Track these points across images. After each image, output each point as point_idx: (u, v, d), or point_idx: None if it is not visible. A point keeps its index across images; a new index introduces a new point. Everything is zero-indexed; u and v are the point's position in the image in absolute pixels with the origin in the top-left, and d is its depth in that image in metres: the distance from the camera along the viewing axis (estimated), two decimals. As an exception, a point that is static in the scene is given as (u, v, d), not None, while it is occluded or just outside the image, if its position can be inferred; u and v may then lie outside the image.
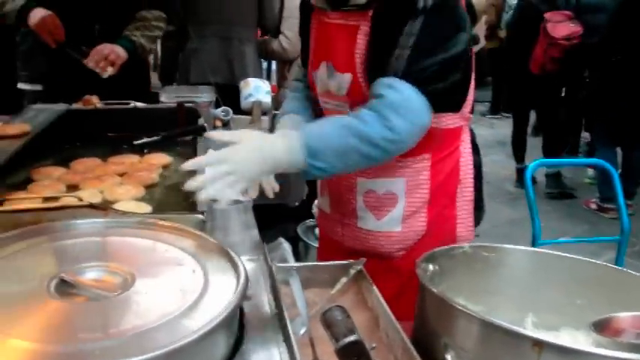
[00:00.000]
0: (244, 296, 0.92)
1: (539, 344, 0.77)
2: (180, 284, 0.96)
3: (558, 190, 4.95)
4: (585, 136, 5.46)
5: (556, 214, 4.63)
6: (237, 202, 1.62)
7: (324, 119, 1.34)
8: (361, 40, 1.29)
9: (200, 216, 1.24)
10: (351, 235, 1.51)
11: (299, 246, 2.89)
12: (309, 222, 2.93)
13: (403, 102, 1.21)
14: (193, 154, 1.87)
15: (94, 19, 2.74)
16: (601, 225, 4.41)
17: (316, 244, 2.78)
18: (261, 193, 2.61)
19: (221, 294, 0.93)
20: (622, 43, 4.17)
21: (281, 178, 2.65)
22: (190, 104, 2.49)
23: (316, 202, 1.79)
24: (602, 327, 0.92)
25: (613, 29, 4.22)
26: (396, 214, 1.42)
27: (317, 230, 2.90)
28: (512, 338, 0.79)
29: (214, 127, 2.60)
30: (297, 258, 2.83)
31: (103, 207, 1.25)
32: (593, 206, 4.69)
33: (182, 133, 2.19)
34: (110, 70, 2.62)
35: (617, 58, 4.19)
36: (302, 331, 1.06)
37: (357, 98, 1.33)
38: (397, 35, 1.22)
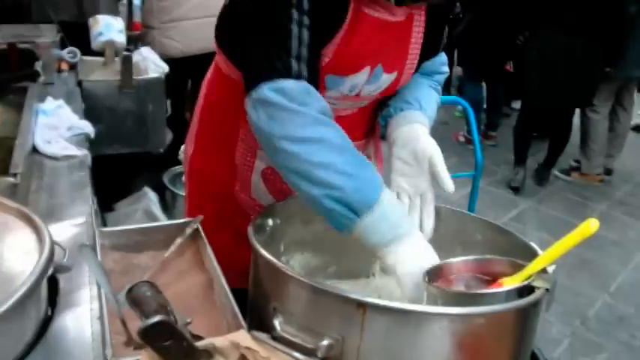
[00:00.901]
0: (45, 272, 0.80)
1: (362, 305, 0.73)
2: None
3: None
4: (457, 70, 5.64)
5: (429, 147, 4.79)
6: (69, 157, 1.46)
7: (425, 94, 1.25)
8: (417, 34, 1.13)
9: (11, 179, 1.08)
10: None
11: (166, 195, 2.74)
12: (176, 169, 2.78)
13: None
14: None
15: None
16: (468, 156, 4.62)
17: (183, 193, 2.65)
18: (122, 142, 2.43)
19: (18, 272, 0.81)
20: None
21: (141, 126, 2.48)
22: (27, 45, 2.19)
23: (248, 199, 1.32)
24: (435, 275, 0.90)
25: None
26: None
27: (184, 178, 2.77)
28: (337, 301, 0.75)
29: (59, 70, 2.33)
30: (165, 207, 2.71)
31: None
32: (462, 138, 4.90)
33: (14, 79, 1.92)
34: None
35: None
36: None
37: (384, 94, 1.21)
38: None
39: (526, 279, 0.84)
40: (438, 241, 1.11)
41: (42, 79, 1.99)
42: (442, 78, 1.32)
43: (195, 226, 1.07)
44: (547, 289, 0.81)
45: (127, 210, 2.53)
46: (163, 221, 2.45)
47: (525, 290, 0.83)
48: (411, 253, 0.90)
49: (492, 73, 4.55)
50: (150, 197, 2.64)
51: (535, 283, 0.82)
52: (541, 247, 0.95)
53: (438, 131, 4.72)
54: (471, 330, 0.76)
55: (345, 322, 0.75)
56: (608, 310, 2.88)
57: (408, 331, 0.74)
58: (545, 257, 0.84)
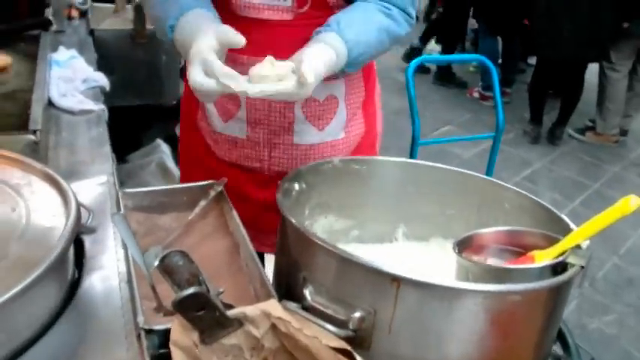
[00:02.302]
0: (72, 237, 0.79)
1: (397, 280, 0.72)
2: (-5, 227, 0.80)
3: (448, 81, 5.05)
4: (472, 23, 5.50)
5: (442, 103, 4.73)
6: (86, 111, 1.43)
7: (359, 18, 1.10)
8: None
9: (31, 136, 1.05)
10: (282, 156, 1.26)
11: (178, 146, 2.71)
12: (189, 122, 2.74)
13: None
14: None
15: None
16: (482, 113, 4.57)
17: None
18: (135, 93, 2.40)
19: (45, 235, 0.80)
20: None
21: (154, 77, 2.44)
22: (37, -10, 2.12)
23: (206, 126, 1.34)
24: (464, 245, 0.89)
25: None
26: (339, 120, 1.26)
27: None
28: (370, 274, 0.74)
29: (69, 18, 2.27)
30: (177, 159, 2.70)
31: None
32: (476, 95, 4.83)
33: (25, 27, 1.87)
34: None
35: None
36: (156, 263, 0.96)
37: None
38: None
39: (560, 254, 0.82)
40: (464, 210, 1.11)
41: (53, 27, 1.94)
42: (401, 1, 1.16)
43: (219, 189, 1.05)
44: (582, 267, 0.80)
45: (140, 162, 2.53)
46: (177, 174, 2.45)
47: (558, 265, 0.82)
48: None
49: (510, 27, 4.42)
50: (163, 149, 2.63)
51: (569, 260, 0.81)
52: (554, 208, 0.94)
53: (451, 88, 4.70)
54: (504, 307, 0.75)
55: (378, 295, 0.74)
56: (616, 272, 2.89)
57: (441, 306, 0.73)
58: (581, 233, 0.83)
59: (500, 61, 4.81)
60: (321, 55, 1.00)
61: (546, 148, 4.18)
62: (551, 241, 0.85)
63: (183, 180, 1.43)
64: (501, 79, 4.89)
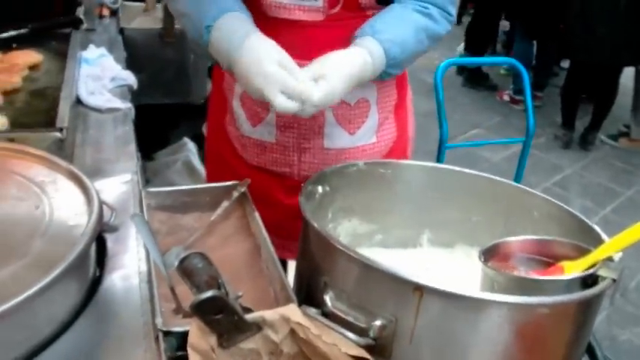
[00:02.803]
0: (94, 235, 0.79)
1: (419, 288, 0.70)
2: (19, 225, 0.81)
3: (479, 83, 4.97)
4: (504, 25, 5.42)
5: (472, 106, 4.66)
6: (113, 109, 1.44)
7: (395, 19, 1.09)
8: None
9: (57, 134, 1.06)
10: (312, 160, 1.24)
11: (205, 146, 2.72)
12: (216, 121, 2.76)
13: None
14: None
15: None
16: (512, 117, 4.50)
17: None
18: (163, 92, 2.42)
19: (68, 233, 0.80)
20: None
21: (182, 76, 2.45)
22: (69, -11, 2.15)
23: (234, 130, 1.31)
24: (491, 253, 0.86)
25: None
26: (370, 124, 1.24)
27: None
28: (392, 281, 0.72)
29: (100, 16, 2.30)
30: (204, 158, 2.71)
31: None
32: (506, 98, 4.75)
33: (56, 25, 1.89)
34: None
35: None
36: (176, 264, 0.96)
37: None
38: None
39: (591, 266, 0.79)
40: (491, 217, 1.08)
41: (84, 25, 1.96)
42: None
43: (243, 190, 1.05)
44: (614, 280, 0.76)
45: (166, 160, 2.55)
46: (203, 173, 2.47)
47: (589, 277, 0.79)
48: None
49: (546, 31, 4.32)
50: (189, 148, 2.65)
51: (601, 272, 0.78)
52: (584, 216, 0.90)
53: (481, 90, 4.64)
54: (531, 319, 0.72)
55: (400, 303, 0.72)
56: (649, 282, 2.81)
57: (465, 317, 0.71)
58: (613, 244, 0.79)
59: (533, 63, 4.72)
60: (347, 63, 1.00)
61: (578, 153, 4.08)
62: (582, 252, 0.82)
63: (209, 180, 1.43)
64: (534, 82, 4.81)
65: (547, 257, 0.87)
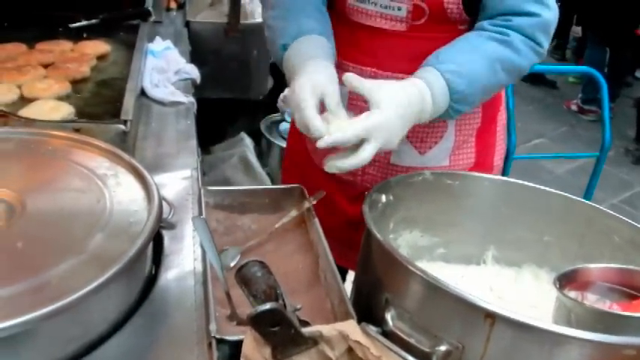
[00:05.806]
0: (152, 234, 0.77)
1: (491, 316, 0.64)
2: (80, 218, 0.80)
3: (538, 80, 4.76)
4: (576, 30, 5.20)
5: (537, 114, 4.49)
6: (176, 103, 1.44)
7: (464, 48, 0.99)
8: None
9: (121, 126, 1.06)
10: (376, 174, 1.19)
11: (262, 142, 2.73)
12: (274, 117, 2.75)
13: (554, 20, 1.01)
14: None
15: None
16: (579, 127, 4.30)
17: (279, 142, 2.63)
18: (224, 87, 2.42)
19: (126, 229, 0.79)
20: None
21: (244, 72, 2.45)
22: (139, -19, 2.18)
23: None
24: (567, 279, 0.80)
25: None
26: (444, 146, 1.16)
27: (281, 126, 2.73)
28: (461, 305, 0.67)
29: (168, 9, 2.32)
30: (260, 155, 2.71)
31: (2, 112, 1.05)
32: (574, 107, 4.55)
33: (126, 17, 1.92)
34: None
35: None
36: (232, 264, 0.94)
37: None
38: None
39: (684, 303, 0.71)
40: (564, 238, 1.00)
41: (152, 18, 1.98)
42: (525, 21, 1.00)
43: (314, 202, 1.00)
44: None
45: (223, 154, 2.55)
46: (258, 169, 2.46)
47: (680, 315, 0.71)
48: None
49: (620, 37, 4.10)
50: (246, 143, 2.64)
51: (695, 310, 0.70)
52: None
53: (546, 98, 4.44)
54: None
55: (469, 329, 0.67)
56: None
57: (540, 351, 0.65)
58: None
59: (605, 72, 4.51)
60: (395, 99, 0.89)
61: (650, 169, 3.87)
62: (673, 286, 0.75)
63: (284, 180, 1.38)
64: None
65: (631, 289, 0.79)
